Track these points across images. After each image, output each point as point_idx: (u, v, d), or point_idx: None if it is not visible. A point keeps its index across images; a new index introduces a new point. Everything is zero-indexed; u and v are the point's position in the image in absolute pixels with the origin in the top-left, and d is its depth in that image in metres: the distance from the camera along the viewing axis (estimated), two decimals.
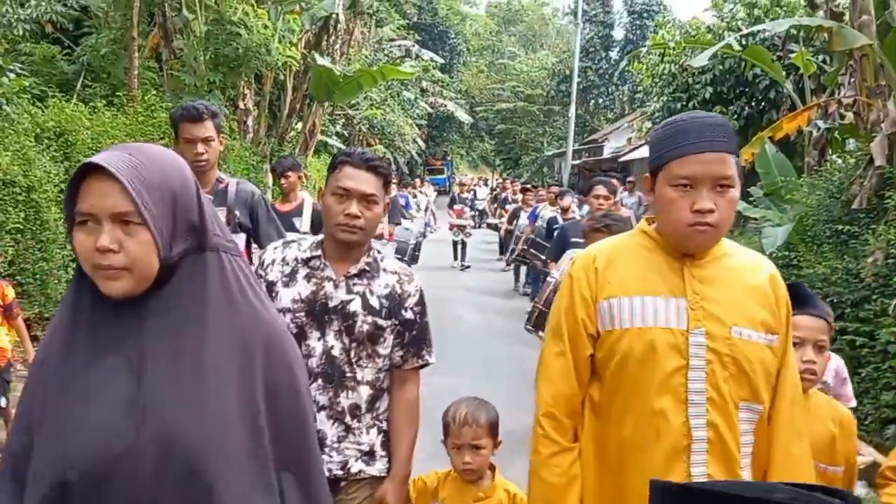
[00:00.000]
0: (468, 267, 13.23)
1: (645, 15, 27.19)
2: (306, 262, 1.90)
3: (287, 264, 1.90)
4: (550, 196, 8.86)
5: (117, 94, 7.42)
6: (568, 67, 26.83)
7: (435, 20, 30.88)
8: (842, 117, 7.81)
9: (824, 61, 9.17)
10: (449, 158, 36.00)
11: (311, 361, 1.83)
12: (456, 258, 13.42)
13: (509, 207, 13.19)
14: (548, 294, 4.38)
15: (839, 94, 7.16)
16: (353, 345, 1.88)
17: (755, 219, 8.22)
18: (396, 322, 1.92)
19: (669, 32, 11.51)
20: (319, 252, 1.90)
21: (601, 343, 1.56)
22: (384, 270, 1.95)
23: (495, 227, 14.62)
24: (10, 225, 4.80)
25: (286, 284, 1.87)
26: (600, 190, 5.19)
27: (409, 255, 8.18)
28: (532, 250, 8.63)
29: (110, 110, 6.68)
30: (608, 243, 1.70)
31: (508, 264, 12.09)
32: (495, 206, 16.41)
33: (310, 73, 12.30)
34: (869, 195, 6.17)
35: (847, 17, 6.62)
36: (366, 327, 1.87)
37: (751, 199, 8.27)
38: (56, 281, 5.29)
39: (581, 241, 5.24)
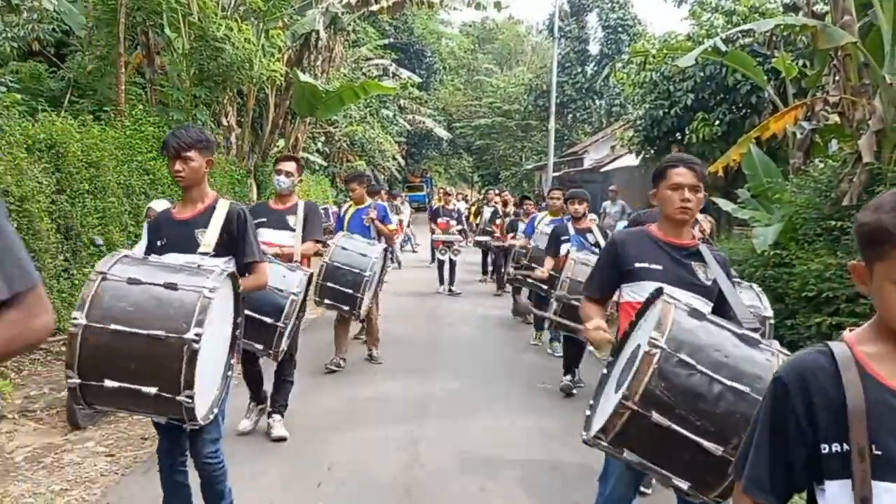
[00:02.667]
0: (458, 293, 11.12)
1: (619, 29, 27.73)
2: None
3: None
4: (554, 202, 7.42)
5: (104, 109, 7.36)
6: (544, 83, 27.21)
7: (411, 39, 31.15)
8: (825, 119, 8.01)
9: (804, 65, 9.41)
10: (428, 175, 36.12)
11: None
12: (442, 282, 11.28)
13: (500, 221, 10.97)
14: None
15: (822, 95, 7.33)
16: None
17: (743, 220, 8.35)
18: None
19: (649, 41, 11.73)
20: None
21: None
22: None
23: (483, 244, 12.20)
24: None
25: None
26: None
27: (362, 289, 5.26)
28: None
29: (99, 124, 6.61)
30: None
31: (501, 287, 10.88)
32: (479, 220, 13.74)
33: (292, 90, 12.34)
34: (859, 191, 6.31)
35: (828, 19, 6.82)
36: None
37: (739, 200, 8.41)
38: (48, 290, 5.17)
39: (570, 235, 5.94)
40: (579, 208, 5.99)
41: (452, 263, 11.20)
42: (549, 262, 6.08)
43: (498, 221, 11.05)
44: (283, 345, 3.92)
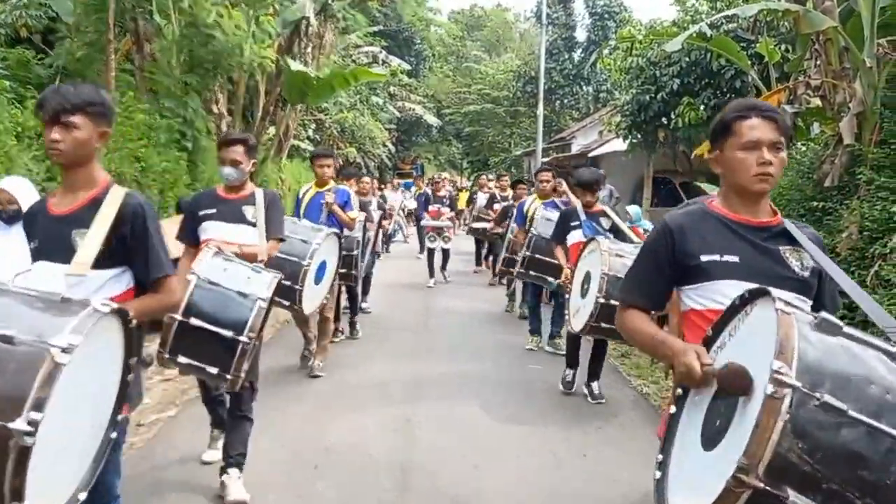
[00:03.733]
0: (449, 280, 10.91)
1: (606, 16, 27.59)
2: None
3: None
4: (544, 186, 7.05)
5: None
6: (532, 69, 27.06)
7: (400, 26, 30.85)
8: (807, 102, 8.02)
9: (787, 50, 9.42)
10: (419, 162, 35.95)
11: None
12: (432, 274, 10.59)
13: (497, 207, 9.93)
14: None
15: (804, 78, 7.34)
16: None
17: None
18: None
19: (636, 27, 11.69)
20: None
21: None
22: None
23: (479, 233, 11.08)
24: None
25: None
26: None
27: (301, 280, 4.42)
28: (531, 271, 6.45)
29: None
30: None
31: (497, 276, 10.13)
32: (471, 207, 12.67)
33: (282, 77, 12.20)
34: (840, 172, 6.35)
35: (810, 4, 6.81)
36: None
37: None
38: None
39: (580, 221, 5.44)
40: (591, 199, 5.38)
41: (445, 251, 10.74)
42: (560, 255, 5.51)
43: (496, 207, 10.02)
44: (245, 366, 2.94)
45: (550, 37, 27.40)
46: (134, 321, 1.87)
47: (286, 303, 4.38)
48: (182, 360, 2.90)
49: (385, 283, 9.78)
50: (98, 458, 1.88)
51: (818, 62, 7.09)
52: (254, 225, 3.56)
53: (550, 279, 6.24)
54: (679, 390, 1.68)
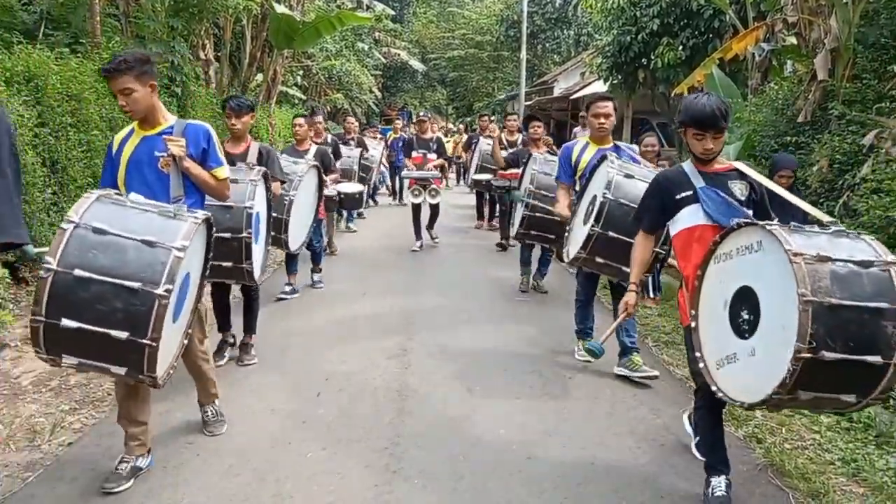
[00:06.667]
0: (436, 242, 8.64)
1: None
2: None
3: None
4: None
5: (80, 42, 6.92)
6: (515, 13, 26.25)
7: None
8: (783, 41, 7.88)
9: None
10: (406, 108, 35.23)
11: None
12: (418, 236, 8.35)
13: (504, 154, 7.63)
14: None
15: (781, 16, 7.18)
16: None
17: None
18: None
19: None
20: None
21: None
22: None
23: (483, 185, 8.99)
24: None
25: None
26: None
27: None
28: (533, 231, 5.62)
29: (76, 57, 6.23)
30: None
31: (505, 238, 8.29)
32: (471, 155, 10.00)
33: (268, 22, 11.75)
34: (813, 108, 6.30)
35: None
36: None
37: None
38: (39, 224, 5.02)
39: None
40: (711, 148, 2.76)
41: (433, 207, 8.33)
42: (563, 198, 4.52)
43: (504, 154, 7.63)
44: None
45: None
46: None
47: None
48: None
49: (364, 246, 8.59)
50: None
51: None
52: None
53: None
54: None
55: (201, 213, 2.66)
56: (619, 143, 4.60)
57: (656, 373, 4.11)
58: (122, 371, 2.43)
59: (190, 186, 2.98)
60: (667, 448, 3.30)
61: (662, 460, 3.17)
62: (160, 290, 2.31)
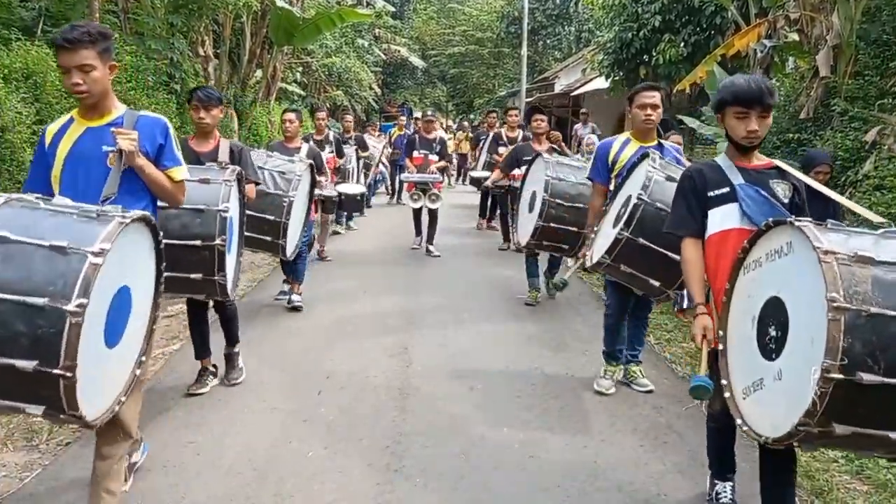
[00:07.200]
0: (437, 255, 7.82)
1: None
2: None
3: None
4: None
5: None
6: (516, 10, 26.17)
7: None
8: (785, 37, 7.85)
9: None
10: (407, 105, 35.16)
11: None
12: (418, 232, 8.17)
13: (503, 151, 7.61)
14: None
15: (783, 12, 7.14)
16: None
17: (708, 137, 8.30)
18: None
19: None
20: None
21: None
22: None
23: (483, 184, 8.39)
24: None
25: None
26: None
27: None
28: (545, 242, 5.03)
29: None
30: None
31: (508, 239, 7.98)
32: (477, 152, 9.78)
33: (268, 18, 11.70)
34: (815, 105, 6.28)
35: None
36: None
37: (703, 118, 8.34)
38: None
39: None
40: (755, 130, 2.53)
41: (432, 214, 7.77)
42: (597, 201, 3.96)
43: (501, 151, 7.61)
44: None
45: None
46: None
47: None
48: None
49: (365, 245, 8.48)
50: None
51: None
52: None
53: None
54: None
55: (135, 213, 2.11)
56: (663, 141, 4.02)
57: (652, 387, 3.97)
58: (38, 411, 1.89)
59: (140, 188, 2.52)
60: (670, 446, 3.28)
61: (665, 458, 3.15)
62: (71, 307, 1.79)
